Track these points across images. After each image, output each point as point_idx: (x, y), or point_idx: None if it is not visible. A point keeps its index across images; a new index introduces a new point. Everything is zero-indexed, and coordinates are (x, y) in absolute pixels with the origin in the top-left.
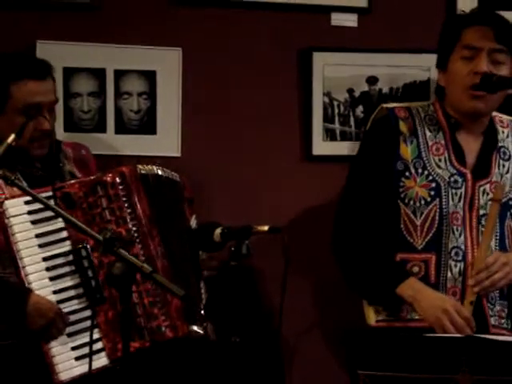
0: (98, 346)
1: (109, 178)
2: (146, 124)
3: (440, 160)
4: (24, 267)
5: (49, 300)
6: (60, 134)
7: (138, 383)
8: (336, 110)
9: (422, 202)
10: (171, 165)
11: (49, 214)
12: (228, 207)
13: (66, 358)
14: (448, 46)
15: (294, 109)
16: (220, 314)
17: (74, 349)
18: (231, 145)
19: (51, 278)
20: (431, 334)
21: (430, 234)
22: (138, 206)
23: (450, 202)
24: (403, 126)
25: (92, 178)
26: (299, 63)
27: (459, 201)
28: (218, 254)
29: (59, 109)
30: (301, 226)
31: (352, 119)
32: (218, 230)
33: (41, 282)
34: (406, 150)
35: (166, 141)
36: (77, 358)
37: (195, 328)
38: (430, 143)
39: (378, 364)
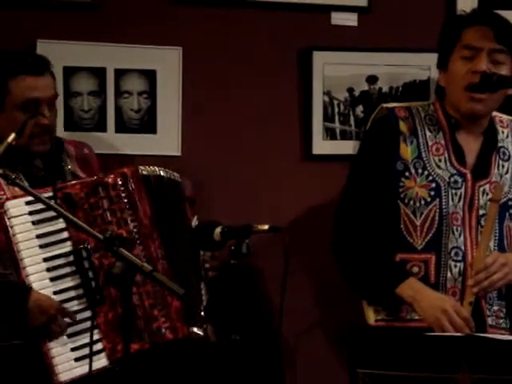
0: (98, 346)
1: (110, 179)
2: (146, 123)
3: (440, 160)
4: (24, 268)
5: (49, 297)
6: (60, 133)
7: None
8: (336, 109)
9: (422, 202)
10: (171, 164)
11: (50, 214)
12: (228, 207)
13: (65, 358)
14: (448, 45)
15: (294, 108)
16: (220, 313)
17: (73, 350)
18: (231, 144)
19: (52, 279)
20: (431, 333)
21: (430, 235)
22: (140, 207)
23: (450, 203)
24: (403, 126)
25: (93, 178)
26: (299, 62)
27: (459, 201)
28: (219, 253)
29: (59, 108)
30: (301, 225)
31: (352, 118)
32: (218, 229)
33: (41, 283)
34: (406, 150)
35: (166, 140)
36: (76, 359)
37: (195, 330)
38: (430, 143)
39: (378, 363)
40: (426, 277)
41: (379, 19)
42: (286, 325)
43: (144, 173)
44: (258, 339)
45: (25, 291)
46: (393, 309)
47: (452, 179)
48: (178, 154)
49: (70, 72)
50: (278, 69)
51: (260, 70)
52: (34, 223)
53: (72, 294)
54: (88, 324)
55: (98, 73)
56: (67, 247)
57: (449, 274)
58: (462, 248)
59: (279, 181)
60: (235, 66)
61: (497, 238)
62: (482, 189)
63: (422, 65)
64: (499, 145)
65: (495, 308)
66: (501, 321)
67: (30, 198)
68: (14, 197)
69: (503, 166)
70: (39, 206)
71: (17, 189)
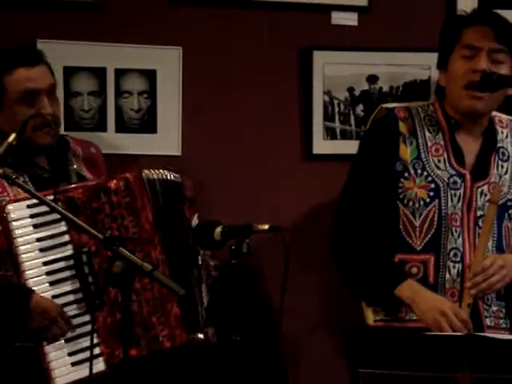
0: (96, 351)
1: (113, 185)
2: (147, 123)
3: (439, 161)
4: (24, 271)
5: (51, 300)
6: (60, 133)
7: None
8: (336, 109)
9: (421, 202)
10: (171, 164)
11: (51, 217)
12: (228, 206)
13: (62, 363)
14: (448, 45)
15: (295, 108)
16: (220, 312)
17: (70, 354)
18: (231, 144)
19: (51, 283)
20: (431, 333)
21: (429, 235)
22: (141, 213)
23: (449, 203)
24: (403, 127)
25: (95, 182)
26: (299, 62)
27: (458, 202)
28: (219, 253)
29: None
30: (301, 225)
31: (352, 118)
32: (219, 229)
33: (41, 287)
34: (406, 151)
35: (167, 140)
36: (73, 364)
37: (195, 335)
38: (430, 144)
39: (379, 362)
40: (425, 277)
41: (379, 19)
42: (287, 324)
43: (147, 177)
44: (259, 339)
45: (26, 293)
46: (391, 309)
47: (451, 180)
48: (178, 153)
49: (70, 72)
50: (278, 69)
51: (260, 70)
52: (35, 226)
53: (71, 298)
54: (86, 329)
55: (99, 73)
56: (68, 251)
57: (448, 275)
58: (461, 249)
59: (279, 180)
60: (235, 66)
61: (495, 238)
62: (480, 190)
63: (422, 64)
64: (498, 145)
65: (494, 309)
66: (501, 321)
67: (31, 201)
68: (16, 199)
69: (502, 167)
70: (40, 208)
71: (20, 190)
